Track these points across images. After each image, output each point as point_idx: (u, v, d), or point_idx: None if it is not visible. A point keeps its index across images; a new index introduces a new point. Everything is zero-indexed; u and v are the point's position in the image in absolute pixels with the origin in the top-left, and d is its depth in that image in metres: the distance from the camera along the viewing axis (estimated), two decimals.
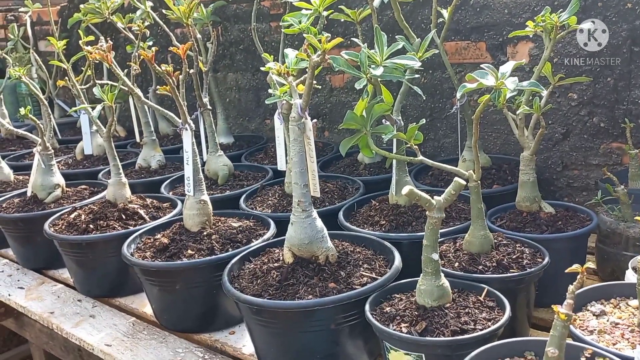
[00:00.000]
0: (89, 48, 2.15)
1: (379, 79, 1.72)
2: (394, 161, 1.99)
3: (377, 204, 2.05)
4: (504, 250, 1.64)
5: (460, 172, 1.58)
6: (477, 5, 2.45)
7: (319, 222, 1.64)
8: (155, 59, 1.95)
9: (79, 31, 2.99)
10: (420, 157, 1.61)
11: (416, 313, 1.39)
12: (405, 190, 1.34)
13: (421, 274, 1.43)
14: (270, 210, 2.20)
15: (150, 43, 3.08)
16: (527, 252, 1.64)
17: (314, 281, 1.56)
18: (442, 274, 1.42)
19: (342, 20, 2.50)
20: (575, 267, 1.04)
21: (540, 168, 2.42)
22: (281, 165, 2.38)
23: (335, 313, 1.49)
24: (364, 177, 2.47)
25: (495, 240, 1.68)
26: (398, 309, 1.43)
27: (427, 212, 1.37)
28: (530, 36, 2.29)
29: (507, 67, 1.42)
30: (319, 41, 1.48)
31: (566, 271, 1.06)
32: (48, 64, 3.75)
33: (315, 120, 1.65)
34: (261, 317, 1.53)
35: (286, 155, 2.34)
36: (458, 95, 1.44)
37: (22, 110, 2.35)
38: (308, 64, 1.56)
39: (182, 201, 2.20)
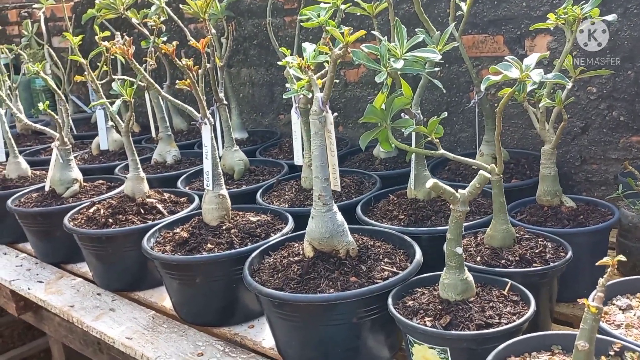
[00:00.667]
0: (107, 43, 2.16)
1: (399, 72, 1.71)
2: (413, 155, 1.98)
3: (395, 199, 2.05)
4: (526, 244, 1.64)
5: (482, 166, 1.56)
6: None
7: (340, 216, 1.64)
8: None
9: (94, 27, 3.00)
10: (442, 151, 1.60)
11: (440, 307, 1.38)
12: (429, 183, 1.33)
13: (444, 268, 1.42)
14: (287, 205, 2.20)
15: (165, 39, 3.09)
16: (550, 247, 1.63)
17: (335, 275, 1.56)
18: (466, 268, 1.42)
19: (358, 14, 2.50)
20: (606, 259, 1.04)
21: (559, 162, 2.38)
22: (298, 160, 2.38)
23: (357, 307, 1.49)
24: (380, 171, 2.47)
25: (517, 235, 1.67)
26: (421, 303, 1.42)
27: (451, 206, 1.37)
28: (551, 29, 2.28)
29: (532, 59, 1.41)
30: (342, 34, 1.47)
31: (597, 264, 1.05)
32: (66, 59, 3.78)
33: (335, 113, 1.64)
34: (283, 310, 1.53)
35: (302, 150, 2.34)
36: (482, 87, 1.43)
37: (40, 105, 2.36)
38: (329, 57, 1.56)
39: (199, 196, 2.21)
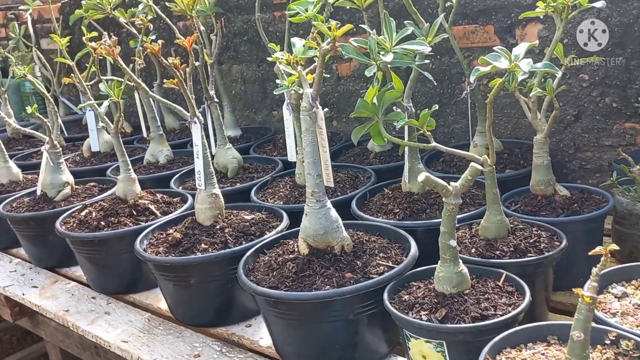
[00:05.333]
0: (94, 44, 2.14)
1: (389, 66, 1.70)
2: (406, 149, 1.97)
3: (390, 192, 2.04)
4: (520, 234, 1.63)
5: (475, 157, 1.56)
6: None
7: (334, 212, 1.63)
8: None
9: (82, 27, 2.97)
10: (434, 144, 1.59)
11: (435, 300, 1.38)
12: (421, 177, 1.32)
13: (439, 261, 1.41)
14: (282, 202, 2.18)
15: (154, 37, 3.06)
16: (544, 236, 1.62)
17: (331, 271, 1.55)
18: (460, 261, 1.41)
19: (348, 7, 2.48)
20: (599, 249, 1.03)
21: (552, 151, 2.39)
22: (291, 156, 2.36)
23: (353, 303, 1.48)
24: (375, 165, 2.45)
25: (511, 225, 1.66)
26: (417, 297, 1.42)
27: (443, 199, 1.36)
28: (541, 17, 2.27)
29: (521, 49, 1.40)
30: (329, 28, 1.46)
31: (590, 253, 1.05)
32: (52, 61, 3.75)
33: (326, 109, 1.63)
34: (279, 309, 1.52)
35: (296, 146, 2.33)
36: (471, 79, 1.42)
37: (29, 109, 2.34)
38: (317, 52, 1.54)
39: (193, 195, 2.19)
